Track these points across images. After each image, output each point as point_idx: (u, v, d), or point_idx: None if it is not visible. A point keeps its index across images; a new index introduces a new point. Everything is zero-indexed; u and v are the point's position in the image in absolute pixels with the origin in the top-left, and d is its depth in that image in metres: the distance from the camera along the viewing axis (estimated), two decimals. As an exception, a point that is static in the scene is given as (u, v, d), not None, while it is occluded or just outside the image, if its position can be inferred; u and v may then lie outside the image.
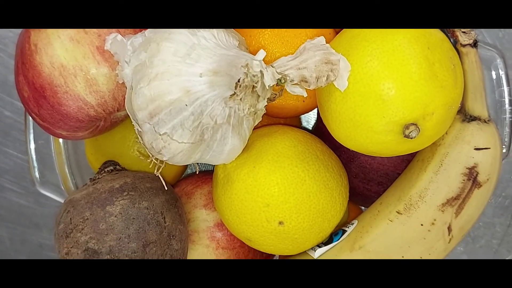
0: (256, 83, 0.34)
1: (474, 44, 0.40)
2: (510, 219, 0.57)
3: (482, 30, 0.54)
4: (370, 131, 0.38)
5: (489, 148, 0.41)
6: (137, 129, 0.39)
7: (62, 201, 0.52)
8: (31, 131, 0.51)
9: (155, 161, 0.40)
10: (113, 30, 0.41)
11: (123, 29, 0.41)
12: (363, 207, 0.54)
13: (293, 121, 0.53)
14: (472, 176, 0.41)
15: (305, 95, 0.38)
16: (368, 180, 0.48)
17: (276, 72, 0.36)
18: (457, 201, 0.41)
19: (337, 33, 0.45)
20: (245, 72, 0.34)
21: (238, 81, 0.34)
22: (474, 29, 0.42)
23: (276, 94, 0.38)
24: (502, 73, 0.45)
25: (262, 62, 0.35)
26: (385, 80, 0.37)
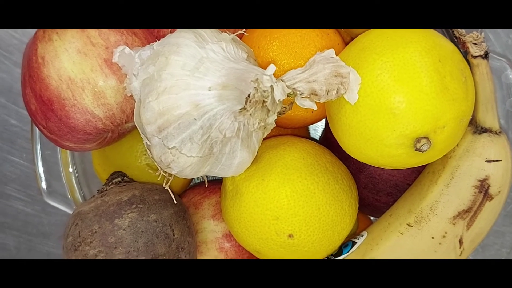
0: (266, 98, 0.34)
1: (485, 56, 0.40)
2: (520, 228, 0.57)
3: (491, 38, 0.54)
4: (381, 144, 0.38)
5: (501, 160, 0.40)
6: (146, 142, 0.39)
7: (69, 211, 0.52)
8: (38, 141, 0.51)
9: (164, 174, 0.40)
10: (125, 30, 0.41)
11: (131, 37, 0.41)
12: (372, 217, 0.53)
13: (301, 130, 0.53)
14: (483, 189, 0.40)
15: (315, 108, 0.37)
16: (378, 190, 0.47)
17: (286, 86, 0.36)
18: (469, 213, 0.41)
19: (346, 43, 0.45)
20: (255, 87, 0.34)
21: (248, 96, 0.34)
22: (483, 34, 0.42)
23: (286, 108, 0.38)
24: (512, 83, 0.45)
25: (272, 76, 0.34)
26: (395, 93, 0.36)
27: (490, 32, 0.54)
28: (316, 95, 0.37)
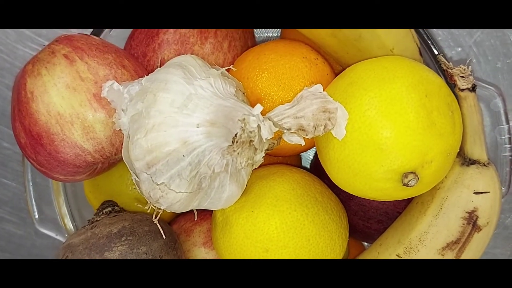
0: (253, 138, 0.34)
1: (473, 88, 0.40)
2: (510, 250, 0.57)
3: (481, 60, 0.54)
4: (369, 179, 0.38)
5: (489, 192, 0.41)
6: (135, 178, 0.39)
7: (61, 239, 0.52)
8: (29, 169, 0.51)
9: (153, 207, 0.40)
10: (114, 64, 0.41)
11: (120, 70, 0.41)
12: (365, 243, 0.54)
13: (292, 158, 0.53)
14: (472, 220, 0.41)
15: (303, 144, 0.37)
16: (368, 218, 0.48)
17: (274, 123, 0.36)
18: (457, 245, 0.41)
19: (335, 73, 0.45)
20: (241, 127, 0.34)
21: (235, 135, 0.34)
22: (471, 67, 0.42)
23: (274, 143, 0.38)
24: (501, 111, 0.45)
25: (260, 115, 0.34)
26: (383, 129, 0.37)
27: (479, 55, 0.54)
28: (304, 130, 0.37)
